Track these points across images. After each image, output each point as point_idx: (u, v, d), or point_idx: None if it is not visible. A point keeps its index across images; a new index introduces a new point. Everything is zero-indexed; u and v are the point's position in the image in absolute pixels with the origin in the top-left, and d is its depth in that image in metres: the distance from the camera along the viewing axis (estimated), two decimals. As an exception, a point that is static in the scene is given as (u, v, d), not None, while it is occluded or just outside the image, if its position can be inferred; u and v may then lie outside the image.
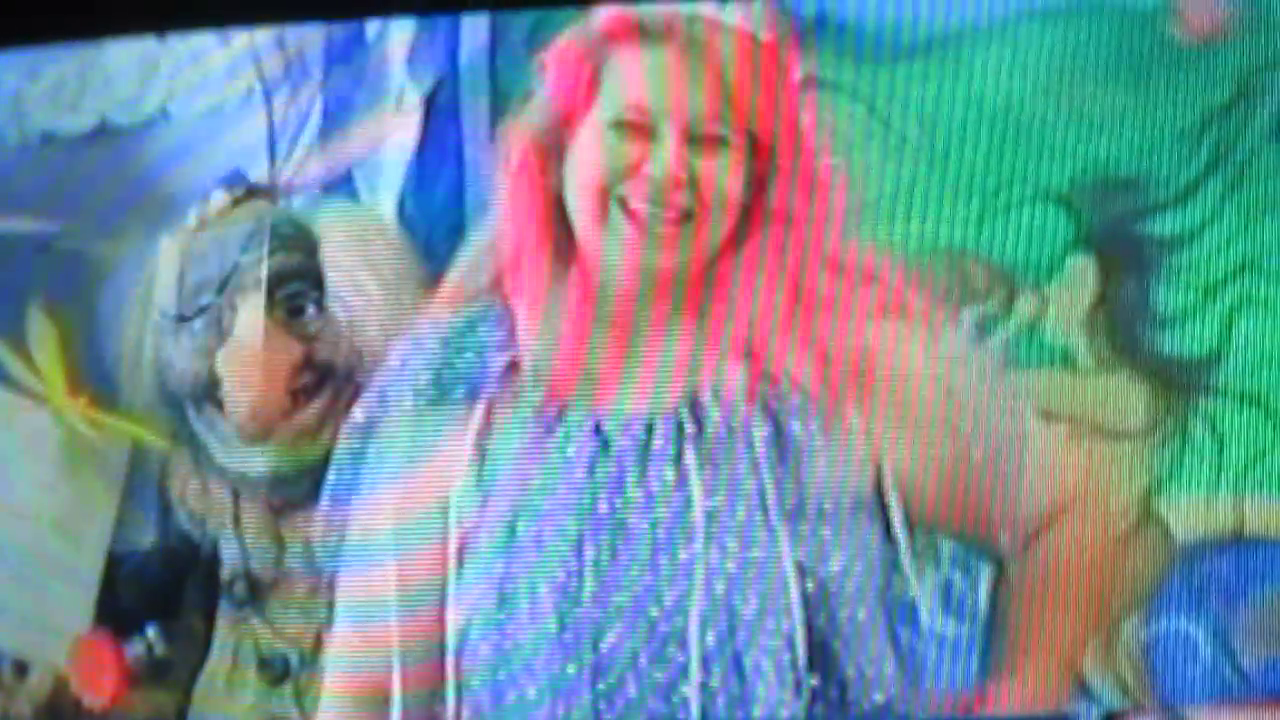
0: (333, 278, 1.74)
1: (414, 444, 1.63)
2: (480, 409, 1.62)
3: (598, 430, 1.59)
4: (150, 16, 1.76)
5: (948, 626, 1.57)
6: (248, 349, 1.73)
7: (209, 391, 1.74)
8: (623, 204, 1.58)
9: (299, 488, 1.70)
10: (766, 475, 1.57)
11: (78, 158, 1.81)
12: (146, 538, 1.76)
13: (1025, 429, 1.60)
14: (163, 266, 1.76)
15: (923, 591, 1.58)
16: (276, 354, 1.72)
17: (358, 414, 1.66)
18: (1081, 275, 1.61)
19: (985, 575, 1.58)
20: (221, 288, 1.74)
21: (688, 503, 1.57)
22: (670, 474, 1.58)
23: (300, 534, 1.71)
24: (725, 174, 1.58)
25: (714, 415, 1.58)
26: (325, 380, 1.72)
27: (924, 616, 1.58)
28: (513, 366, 1.62)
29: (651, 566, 1.56)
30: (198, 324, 1.75)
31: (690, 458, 1.58)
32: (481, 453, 1.61)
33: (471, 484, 1.61)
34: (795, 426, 1.58)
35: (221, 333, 1.74)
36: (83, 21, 1.76)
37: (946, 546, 1.59)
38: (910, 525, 1.57)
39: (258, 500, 1.74)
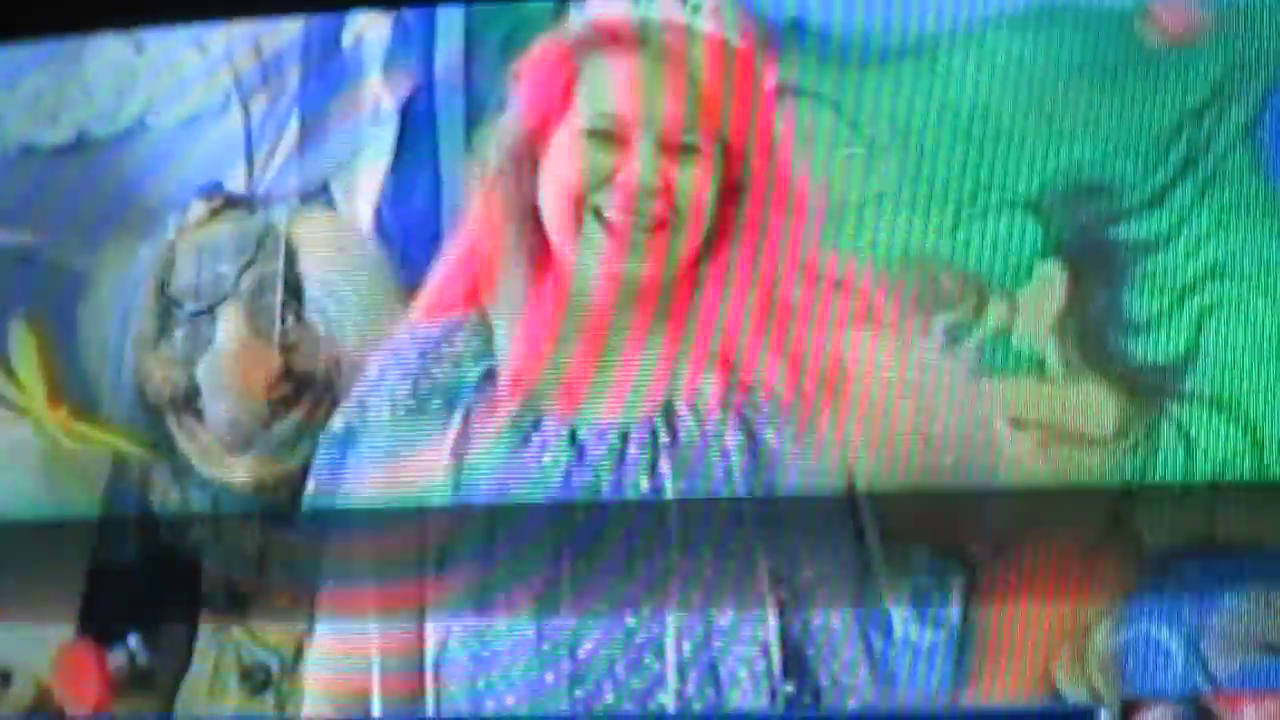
0: (310, 288, 1.74)
1: (392, 453, 1.64)
2: (458, 418, 1.62)
3: (573, 438, 1.60)
4: (123, 14, 1.75)
5: (920, 634, 1.57)
6: (227, 359, 1.73)
7: (189, 402, 1.75)
8: (597, 213, 1.58)
9: (278, 497, 1.71)
10: (740, 484, 1.57)
11: (57, 169, 1.81)
12: (128, 548, 1.77)
13: (996, 436, 1.60)
14: (142, 278, 1.77)
15: (895, 599, 1.58)
16: (255, 364, 1.72)
17: (336, 423, 1.66)
18: (1052, 282, 1.61)
19: (957, 583, 1.58)
20: (201, 298, 1.74)
21: (663, 511, 1.58)
22: (645, 482, 1.58)
23: (280, 543, 1.71)
24: (699, 183, 1.58)
25: (688, 423, 1.59)
26: (304, 390, 1.73)
27: (896, 624, 1.58)
28: (489, 375, 1.63)
29: (628, 575, 1.57)
30: (178, 334, 1.75)
31: (665, 466, 1.58)
32: (459, 461, 1.62)
33: (449, 492, 1.61)
34: (769, 435, 1.58)
35: (201, 343, 1.74)
36: (58, 19, 1.75)
37: (918, 554, 1.59)
38: (882, 533, 1.58)
39: (238, 510, 1.74)
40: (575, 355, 1.60)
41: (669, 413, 1.58)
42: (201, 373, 1.73)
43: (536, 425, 1.60)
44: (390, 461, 1.63)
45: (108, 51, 1.80)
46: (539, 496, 1.58)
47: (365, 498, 1.64)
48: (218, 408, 1.73)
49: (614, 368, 1.59)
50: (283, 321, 1.73)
